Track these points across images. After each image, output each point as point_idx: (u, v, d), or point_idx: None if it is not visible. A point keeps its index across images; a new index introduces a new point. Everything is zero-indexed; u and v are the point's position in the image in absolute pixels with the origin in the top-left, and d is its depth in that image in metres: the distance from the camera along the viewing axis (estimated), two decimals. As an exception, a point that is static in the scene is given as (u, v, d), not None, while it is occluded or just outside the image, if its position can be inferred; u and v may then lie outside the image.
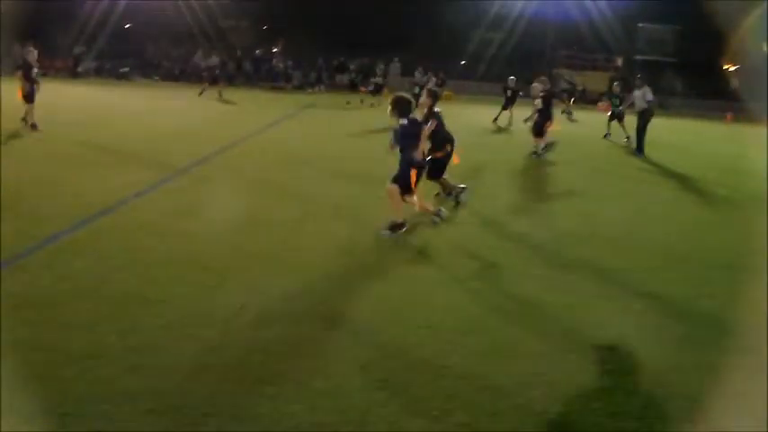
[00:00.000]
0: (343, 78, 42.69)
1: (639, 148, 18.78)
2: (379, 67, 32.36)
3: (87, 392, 4.24)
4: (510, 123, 23.80)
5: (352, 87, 37.52)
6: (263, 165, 13.49)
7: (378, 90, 30.00)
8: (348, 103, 30.08)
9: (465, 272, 7.34)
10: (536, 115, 17.18)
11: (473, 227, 9.52)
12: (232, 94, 30.35)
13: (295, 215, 9.37)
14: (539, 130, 17.04)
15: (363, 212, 9.67)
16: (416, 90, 24.16)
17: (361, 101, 30.22)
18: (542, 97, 17.26)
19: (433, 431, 4.13)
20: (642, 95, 19.26)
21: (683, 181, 14.93)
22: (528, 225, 9.84)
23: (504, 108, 24.55)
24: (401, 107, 8.44)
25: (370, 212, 9.48)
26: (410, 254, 7.91)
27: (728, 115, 35.77)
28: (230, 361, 4.85)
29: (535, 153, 16.84)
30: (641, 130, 19.12)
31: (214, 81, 29.98)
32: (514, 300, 6.57)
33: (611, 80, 28.59)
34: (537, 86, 18.01)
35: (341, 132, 19.66)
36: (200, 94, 28.59)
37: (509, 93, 24.63)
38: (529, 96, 20.92)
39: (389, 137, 8.80)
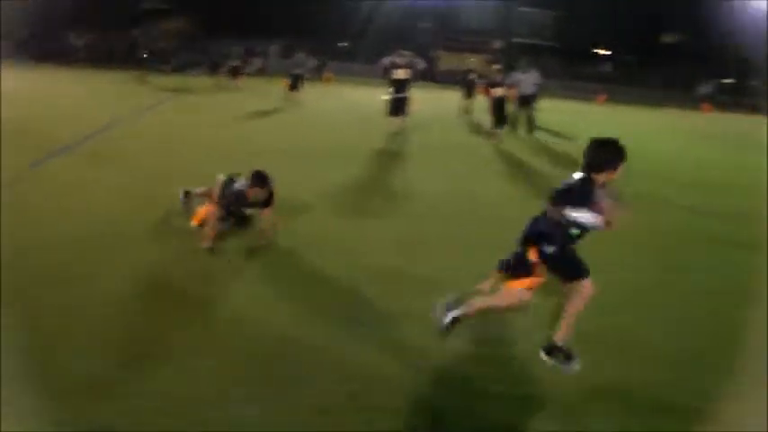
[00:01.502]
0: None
1: (501, 125, 17.42)
2: (269, 49, 30.79)
3: None
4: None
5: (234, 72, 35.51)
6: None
7: (235, 72, 28.24)
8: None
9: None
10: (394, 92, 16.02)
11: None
12: (100, 77, 28.18)
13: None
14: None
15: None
16: (296, 71, 23.10)
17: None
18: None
19: None
20: (528, 79, 18.20)
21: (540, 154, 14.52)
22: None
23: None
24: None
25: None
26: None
27: (600, 97, 36.59)
28: None
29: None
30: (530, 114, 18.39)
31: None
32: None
33: (489, 63, 28.38)
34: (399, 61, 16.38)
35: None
36: None
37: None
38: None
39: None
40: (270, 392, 3.96)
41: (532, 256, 4.47)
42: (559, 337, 4.51)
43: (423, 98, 19.60)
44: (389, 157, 13.30)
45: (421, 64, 16.61)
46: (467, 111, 22.13)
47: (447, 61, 41.97)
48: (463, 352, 4.69)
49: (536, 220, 4.55)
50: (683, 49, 45.71)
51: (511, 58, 44.03)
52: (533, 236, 4.49)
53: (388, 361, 4.45)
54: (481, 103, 20.09)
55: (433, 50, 41.74)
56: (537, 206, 4.68)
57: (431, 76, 39.99)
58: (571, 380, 4.35)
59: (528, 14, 47.92)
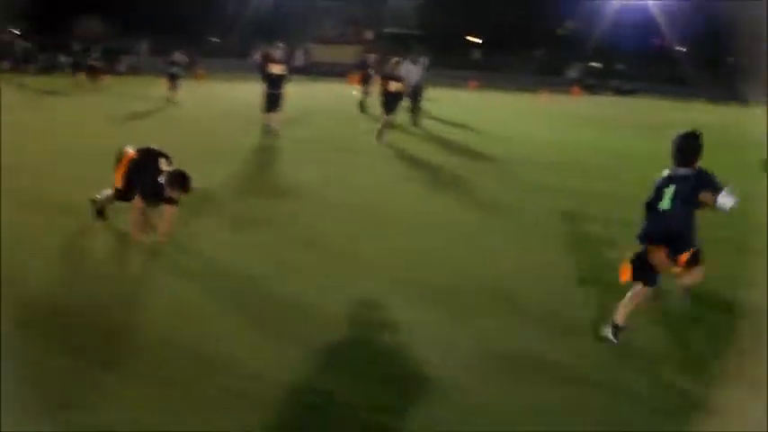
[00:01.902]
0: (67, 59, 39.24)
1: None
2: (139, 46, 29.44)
3: None
4: None
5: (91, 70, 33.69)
6: None
7: (94, 72, 26.92)
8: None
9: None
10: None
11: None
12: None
13: None
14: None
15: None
16: (173, 70, 22.21)
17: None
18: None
19: None
20: (417, 69, 18.15)
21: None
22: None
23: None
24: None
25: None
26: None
27: (472, 83, 37.51)
28: None
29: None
30: (417, 104, 18.31)
31: None
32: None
33: (365, 53, 28.42)
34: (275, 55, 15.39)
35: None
36: None
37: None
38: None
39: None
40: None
41: (659, 256, 4.83)
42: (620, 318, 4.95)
43: (298, 91, 19.28)
44: (267, 153, 13.14)
45: (299, 58, 16.16)
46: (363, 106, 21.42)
47: (320, 53, 41.85)
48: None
49: (664, 221, 4.83)
50: (553, 35, 47.78)
51: (385, 49, 44.60)
52: (664, 237, 4.83)
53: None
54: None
55: (304, 43, 41.48)
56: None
57: (303, 68, 39.85)
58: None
59: (396, 4, 48.46)
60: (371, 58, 25.61)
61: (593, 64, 47.34)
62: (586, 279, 6.17)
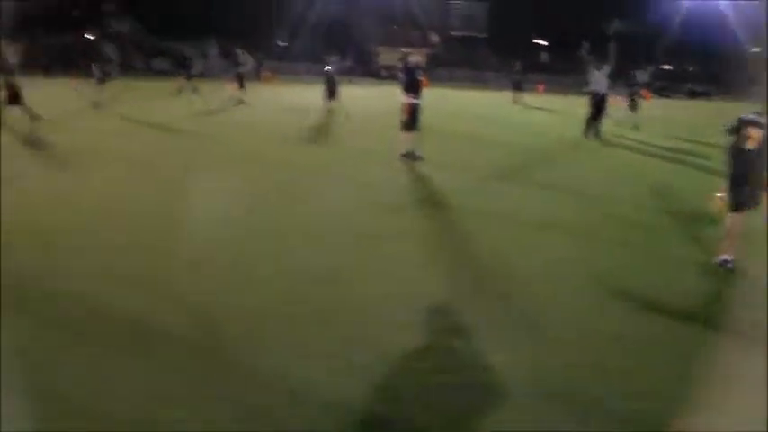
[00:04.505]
0: (162, 63, 40.55)
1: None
2: (192, 51, 30.08)
3: None
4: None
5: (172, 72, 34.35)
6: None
7: (190, 74, 27.27)
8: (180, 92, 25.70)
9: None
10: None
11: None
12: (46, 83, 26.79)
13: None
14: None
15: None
16: (240, 70, 22.65)
17: (180, 91, 26.28)
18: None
19: None
20: (603, 77, 17.20)
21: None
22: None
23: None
24: None
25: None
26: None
27: (539, 86, 37.07)
28: None
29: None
30: (597, 116, 17.02)
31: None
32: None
33: (430, 57, 28.64)
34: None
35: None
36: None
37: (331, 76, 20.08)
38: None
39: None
40: None
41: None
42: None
43: (378, 96, 19.28)
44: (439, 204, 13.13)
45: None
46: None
47: (386, 57, 41.95)
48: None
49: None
50: (621, 36, 46.84)
51: (447, 52, 44.53)
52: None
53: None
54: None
55: (371, 46, 41.67)
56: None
57: (371, 71, 40.08)
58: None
59: (460, 7, 48.28)
60: (518, 65, 26.79)
61: (665, 66, 46.34)
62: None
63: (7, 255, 5.77)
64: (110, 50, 23.39)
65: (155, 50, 42.51)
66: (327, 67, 19.82)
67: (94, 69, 20.50)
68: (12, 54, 15.44)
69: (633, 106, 19.76)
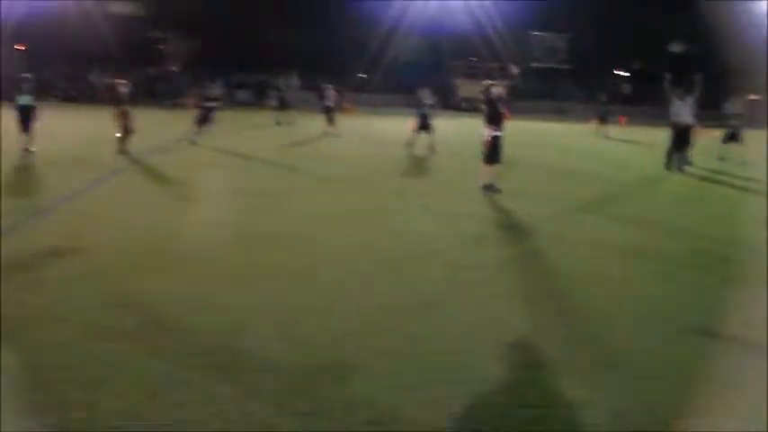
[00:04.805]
0: (245, 95, 42.20)
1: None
2: (283, 82, 31.13)
3: None
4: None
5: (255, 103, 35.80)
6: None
7: (282, 105, 27.89)
8: (279, 123, 26.79)
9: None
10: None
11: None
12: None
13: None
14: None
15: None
16: (327, 103, 23.81)
17: (278, 123, 26.80)
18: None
19: None
20: (685, 106, 16.60)
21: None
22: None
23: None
24: None
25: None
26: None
27: (621, 118, 36.47)
28: None
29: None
30: (684, 143, 16.59)
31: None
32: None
33: (510, 89, 28.40)
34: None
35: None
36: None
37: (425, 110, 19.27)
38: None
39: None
40: None
41: None
42: None
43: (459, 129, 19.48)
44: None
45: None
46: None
47: (466, 89, 42.17)
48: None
49: None
50: (703, 65, 45.64)
51: (527, 83, 44.35)
52: None
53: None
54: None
55: (452, 78, 42.00)
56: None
57: (451, 104, 40.31)
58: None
59: (540, 38, 48.11)
60: (604, 96, 26.84)
61: (753, 96, 44.72)
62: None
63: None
64: (217, 85, 24.16)
65: (238, 82, 44.08)
66: (427, 101, 19.25)
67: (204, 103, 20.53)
68: (124, 85, 16.71)
69: (731, 139, 19.21)
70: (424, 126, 18.84)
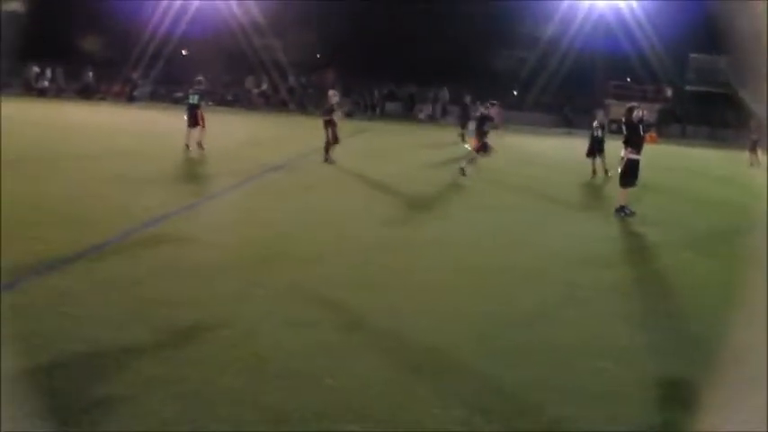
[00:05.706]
0: (394, 106, 44.15)
1: None
2: (440, 94, 31.34)
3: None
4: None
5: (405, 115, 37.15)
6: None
7: (464, 119, 27.17)
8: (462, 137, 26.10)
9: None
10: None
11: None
12: (288, 119, 30.39)
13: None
14: None
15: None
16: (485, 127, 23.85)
17: (462, 137, 26.30)
18: None
19: None
20: None
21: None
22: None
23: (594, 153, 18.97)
24: None
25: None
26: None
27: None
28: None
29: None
30: None
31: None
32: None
33: (661, 111, 27.98)
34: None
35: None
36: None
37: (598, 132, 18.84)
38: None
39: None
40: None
41: None
42: None
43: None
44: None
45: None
46: None
47: (616, 110, 41.75)
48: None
49: None
50: None
51: (681, 106, 43.12)
52: None
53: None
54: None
55: (603, 99, 41.69)
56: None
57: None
58: None
59: (699, 60, 46.46)
60: (754, 123, 26.13)
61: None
62: None
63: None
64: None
65: (388, 94, 46.02)
66: (602, 123, 19.03)
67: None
68: (333, 95, 18.35)
69: None
70: (599, 150, 18.54)
